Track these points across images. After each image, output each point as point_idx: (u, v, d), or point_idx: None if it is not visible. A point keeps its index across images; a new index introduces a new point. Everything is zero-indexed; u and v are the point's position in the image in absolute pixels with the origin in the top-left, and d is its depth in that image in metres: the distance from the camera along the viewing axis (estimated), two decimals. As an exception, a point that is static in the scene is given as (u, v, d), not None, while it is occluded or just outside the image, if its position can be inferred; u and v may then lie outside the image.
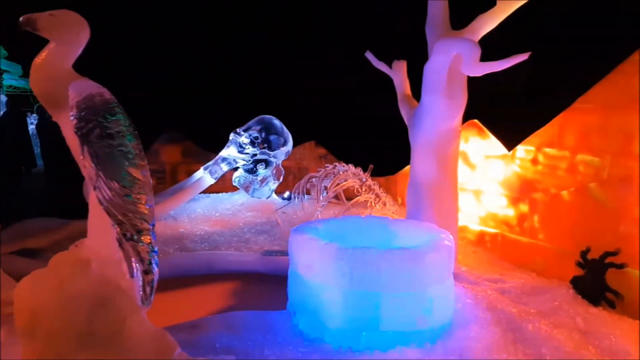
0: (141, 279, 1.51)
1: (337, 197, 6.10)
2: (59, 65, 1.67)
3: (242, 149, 5.93)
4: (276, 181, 6.29)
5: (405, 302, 2.79)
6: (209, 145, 7.39)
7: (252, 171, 6.11)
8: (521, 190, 4.66)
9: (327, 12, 7.82)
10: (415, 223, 3.64)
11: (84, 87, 1.59)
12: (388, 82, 4.93)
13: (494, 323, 3.09)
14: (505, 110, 5.73)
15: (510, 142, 4.89)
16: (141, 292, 1.52)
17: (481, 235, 5.09)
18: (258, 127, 5.97)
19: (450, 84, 3.98)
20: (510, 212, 4.77)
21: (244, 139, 5.92)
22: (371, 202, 5.71)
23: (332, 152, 7.61)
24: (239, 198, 6.24)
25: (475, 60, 3.59)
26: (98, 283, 1.61)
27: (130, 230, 1.53)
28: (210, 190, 6.36)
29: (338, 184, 5.66)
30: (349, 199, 5.81)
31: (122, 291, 1.59)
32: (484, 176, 5.11)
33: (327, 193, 5.82)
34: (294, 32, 7.89)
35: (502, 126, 5.13)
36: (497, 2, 3.92)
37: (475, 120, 5.20)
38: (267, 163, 6.11)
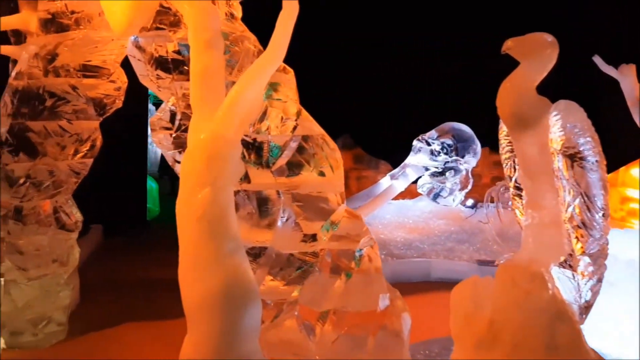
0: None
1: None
2: (528, 86, 1.77)
3: (433, 156, 5.95)
4: (463, 189, 6.22)
5: None
6: (376, 152, 7.54)
7: (440, 179, 6.11)
8: None
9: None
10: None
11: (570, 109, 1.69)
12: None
13: None
14: None
15: None
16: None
17: None
18: (450, 134, 5.94)
19: None
20: None
21: (436, 147, 5.94)
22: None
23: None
24: (426, 205, 6.27)
25: None
26: (556, 297, 1.70)
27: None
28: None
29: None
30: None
31: (569, 305, 1.67)
32: None
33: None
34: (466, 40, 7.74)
35: None
36: None
37: None
38: (455, 171, 6.07)
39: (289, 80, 2.26)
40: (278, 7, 1.86)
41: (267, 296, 2.06)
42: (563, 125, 1.97)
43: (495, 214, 5.79)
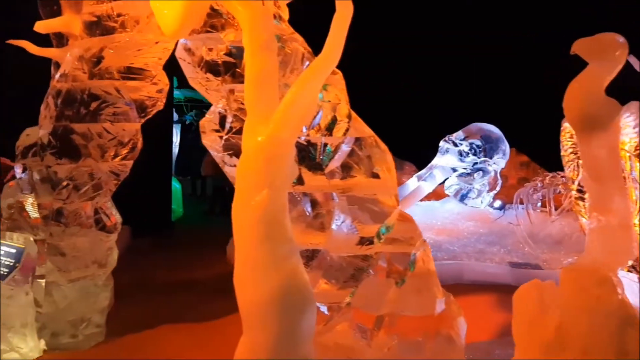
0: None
1: (544, 205, 5.84)
2: (597, 88, 1.73)
3: (462, 157, 5.89)
4: (492, 191, 6.15)
5: None
6: (400, 153, 7.46)
7: (468, 180, 6.04)
8: None
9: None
10: None
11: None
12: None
13: None
14: None
15: None
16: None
17: None
18: (478, 135, 5.88)
19: None
20: None
21: (465, 147, 5.87)
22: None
23: (535, 159, 7.24)
24: (454, 207, 6.21)
25: None
26: (625, 302, 1.66)
27: None
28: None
29: (572, 195, 5.35)
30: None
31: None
32: None
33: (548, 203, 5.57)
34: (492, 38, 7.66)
35: None
36: None
37: None
38: (484, 172, 6.00)
39: (338, 81, 2.24)
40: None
41: (321, 299, 2.04)
42: (636, 126, 1.92)
43: (525, 215, 5.72)
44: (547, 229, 5.47)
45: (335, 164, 2.07)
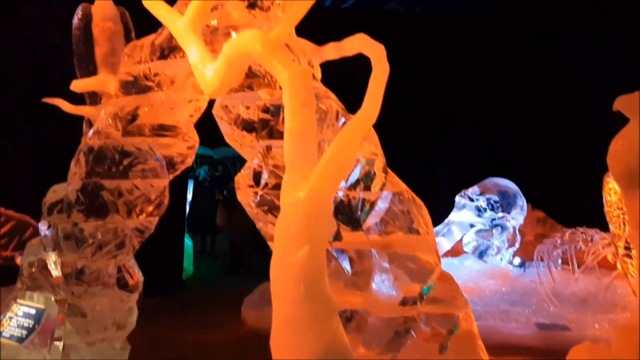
0: None
1: (564, 262, 5.70)
2: None
3: (480, 213, 5.84)
4: (511, 247, 6.04)
5: None
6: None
7: (486, 236, 5.95)
8: None
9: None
10: None
11: None
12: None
13: None
14: None
15: None
16: None
17: None
18: (495, 190, 5.85)
19: None
20: None
21: (482, 203, 5.83)
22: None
23: (552, 215, 7.16)
24: (473, 264, 6.08)
25: None
26: None
27: None
28: (435, 255, 6.30)
29: (594, 252, 5.25)
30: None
31: None
32: None
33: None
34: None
35: None
36: None
37: None
38: (502, 228, 5.92)
39: (373, 136, 2.25)
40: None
41: (360, 365, 1.93)
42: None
43: (547, 273, 5.57)
44: (571, 287, 5.32)
45: (373, 219, 2.04)
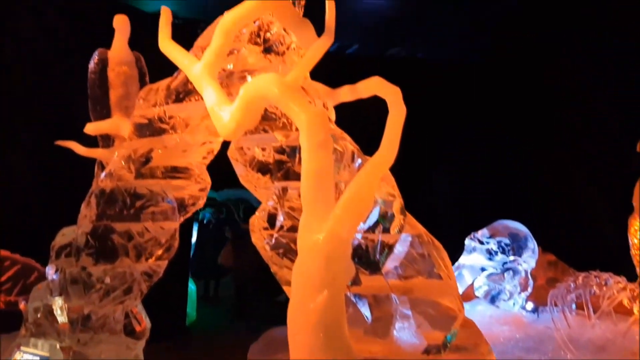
0: None
1: (578, 307, 5.53)
2: None
3: (491, 256, 5.72)
4: (523, 291, 5.89)
5: None
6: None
7: (498, 280, 5.81)
8: None
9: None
10: None
11: None
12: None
13: None
14: None
15: None
16: None
17: None
18: (506, 233, 5.76)
19: None
20: None
21: (493, 246, 5.73)
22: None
23: (563, 258, 7.03)
24: (485, 309, 5.90)
25: None
26: None
27: None
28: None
29: (609, 297, 5.10)
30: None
31: None
32: None
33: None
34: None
35: None
36: None
37: None
38: (514, 272, 5.79)
39: (389, 177, 2.23)
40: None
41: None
42: None
43: (562, 318, 5.40)
44: (587, 333, 5.14)
45: (392, 263, 1.98)
